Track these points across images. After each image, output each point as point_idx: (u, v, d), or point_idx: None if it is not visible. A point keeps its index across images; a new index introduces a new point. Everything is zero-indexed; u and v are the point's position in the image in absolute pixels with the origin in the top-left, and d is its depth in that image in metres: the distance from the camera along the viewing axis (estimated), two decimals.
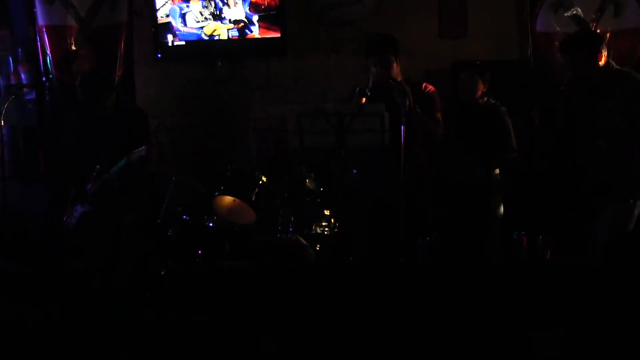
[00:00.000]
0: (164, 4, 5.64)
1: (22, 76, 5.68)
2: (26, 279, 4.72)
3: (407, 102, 3.85)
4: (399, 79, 4.12)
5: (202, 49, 5.71)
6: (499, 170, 4.44)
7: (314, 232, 4.64)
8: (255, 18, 5.59)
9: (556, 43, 5.24)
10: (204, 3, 5.60)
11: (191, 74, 5.82)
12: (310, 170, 4.79)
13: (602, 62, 3.87)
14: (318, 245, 4.55)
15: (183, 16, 5.65)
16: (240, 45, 5.67)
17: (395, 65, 4.12)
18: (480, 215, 4.38)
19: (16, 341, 3.74)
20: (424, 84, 4.32)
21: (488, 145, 4.33)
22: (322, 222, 4.65)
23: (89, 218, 4.58)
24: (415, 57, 5.27)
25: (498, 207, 4.43)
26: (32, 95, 5.67)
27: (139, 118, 4.61)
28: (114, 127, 4.51)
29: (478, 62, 4.66)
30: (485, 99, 4.45)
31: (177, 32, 5.67)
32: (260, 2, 5.57)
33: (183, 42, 5.69)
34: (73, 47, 5.52)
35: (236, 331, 3.74)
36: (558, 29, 5.26)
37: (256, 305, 3.96)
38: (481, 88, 4.41)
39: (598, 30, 5.09)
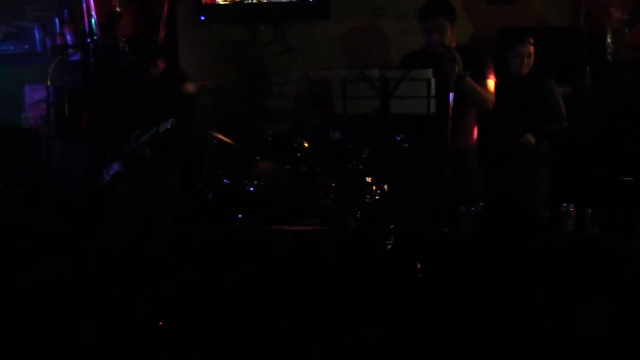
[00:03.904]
0: None
1: (68, 37, 5.70)
2: (69, 237, 4.82)
3: (457, 68, 3.75)
4: (454, 45, 4.00)
5: (245, 10, 5.66)
6: (547, 141, 4.35)
7: (355, 198, 4.61)
8: None
9: (611, 9, 5.11)
10: None
11: (234, 36, 5.77)
12: (352, 136, 4.74)
13: None
14: (359, 212, 4.51)
15: None
16: (284, 7, 5.61)
17: (449, 31, 4.00)
18: (526, 185, 4.30)
19: (56, 298, 3.82)
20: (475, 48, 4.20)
21: (538, 116, 4.25)
22: (363, 188, 4.61)
23: (119, 181, 4.62)
24: (462, 23, 5.12)
25: (545, 178, 4.34)
26: (78, 57, 5.70)
27: (182, 82, 4.62)
28: (159, 91, 4.53)
29: (528, 29, 4.54)
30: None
31: None
32: None
33: (226, 4, 5.64)
34: (117, 9, 5.51)
35: (273, 296, 3.75)
36: None
37: (295, 270, 3.97)
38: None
39: None
